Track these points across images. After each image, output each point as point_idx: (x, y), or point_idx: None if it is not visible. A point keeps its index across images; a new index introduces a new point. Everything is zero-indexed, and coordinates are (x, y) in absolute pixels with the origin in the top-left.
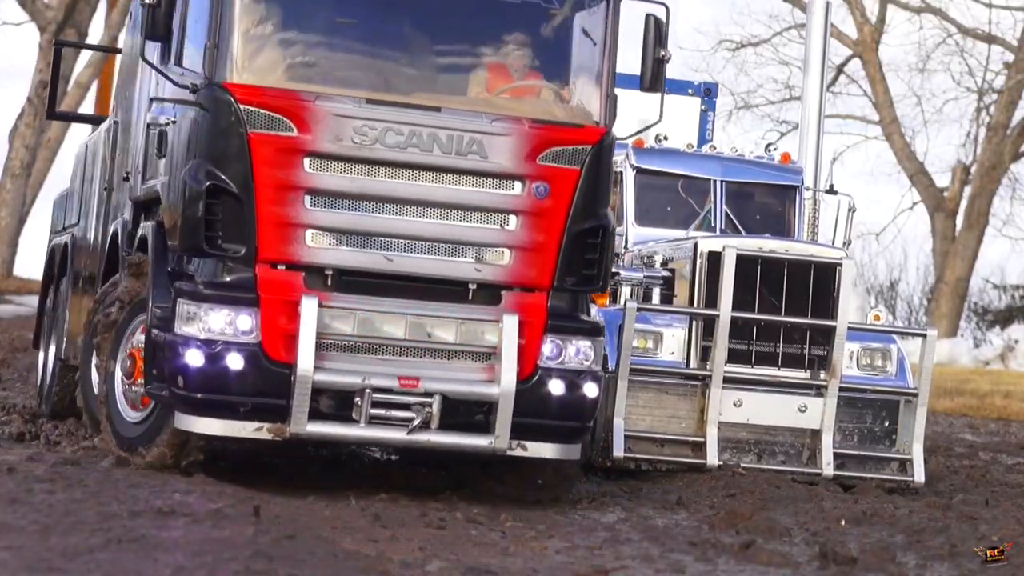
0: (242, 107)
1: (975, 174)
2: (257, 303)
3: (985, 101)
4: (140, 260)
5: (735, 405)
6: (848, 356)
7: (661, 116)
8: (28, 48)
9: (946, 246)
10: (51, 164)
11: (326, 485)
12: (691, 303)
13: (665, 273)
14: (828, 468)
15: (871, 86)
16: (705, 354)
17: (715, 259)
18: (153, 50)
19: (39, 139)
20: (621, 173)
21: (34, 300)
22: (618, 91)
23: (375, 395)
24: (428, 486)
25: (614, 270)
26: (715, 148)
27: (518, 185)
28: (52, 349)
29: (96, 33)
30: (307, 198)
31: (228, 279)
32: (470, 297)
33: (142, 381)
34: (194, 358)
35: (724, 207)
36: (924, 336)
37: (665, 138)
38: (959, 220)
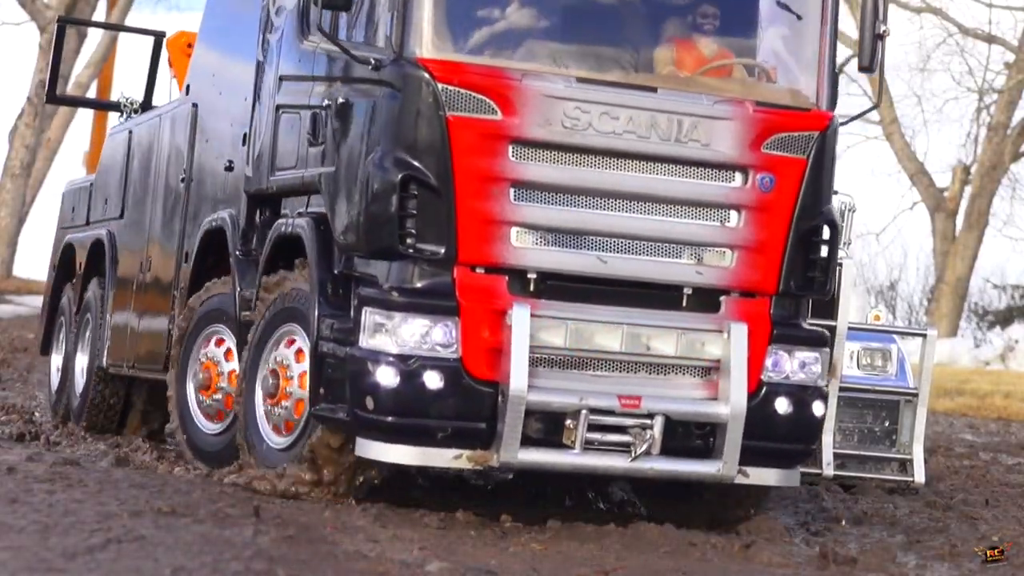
0: (440, 86)
1: (975, 174)
2: (457, 312)
3: (985, 101)
4: (299, 263)
5: None
6: (848, 356)
7: (879, 100)
8: (28, 48)
9: (946, 246)
10: (51, 164)
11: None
12: None
13: None
14: (828, 468)
15: (871, 86)
16: None
17: None
18: (298, 25)
19: (39, 139)
20: None
21: (34, 300)
22: None
23: (591, 417)
24: (428, 486)
25: None
26: None
27: (741, 176)
28: (81, 356)
29: (96, 33)
30: (512, 191)
31: (422, 284)
32: (684, 303)
33: (287, 403)
34: (386, 376)
35: None
36: (924, 336)
37: None
38: (959, 220)
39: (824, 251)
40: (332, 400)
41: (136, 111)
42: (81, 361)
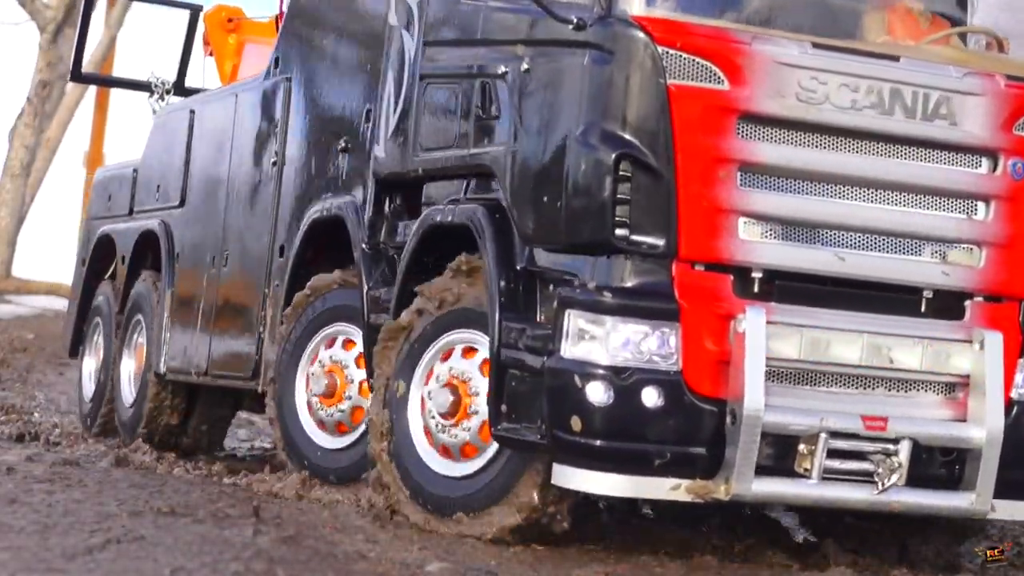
0: (660, 49)
1: None
2: (677, 316)
3: None
4: (467, 261)
5: None
6: None
7: None
8: (28, 48)
9: None
10: (50, 164)
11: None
12: None
13: None
14: None
15: None
16: None
17: None
18: None
19: (39, 139)
20: None
21: (33, 300)
22: None
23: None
24: None
25: None
26: None
27: (989, 161)
28: (127, 361)
29: (96, 33)
30: (738, 174)
31: (636, 283)
32: (923, 309)
33: (470, 424)
34: (596, 392)
35: None
36: None
37: None
38: None
39: None
40: (518, 419)
41: (168, 91)
42: (128, 367)
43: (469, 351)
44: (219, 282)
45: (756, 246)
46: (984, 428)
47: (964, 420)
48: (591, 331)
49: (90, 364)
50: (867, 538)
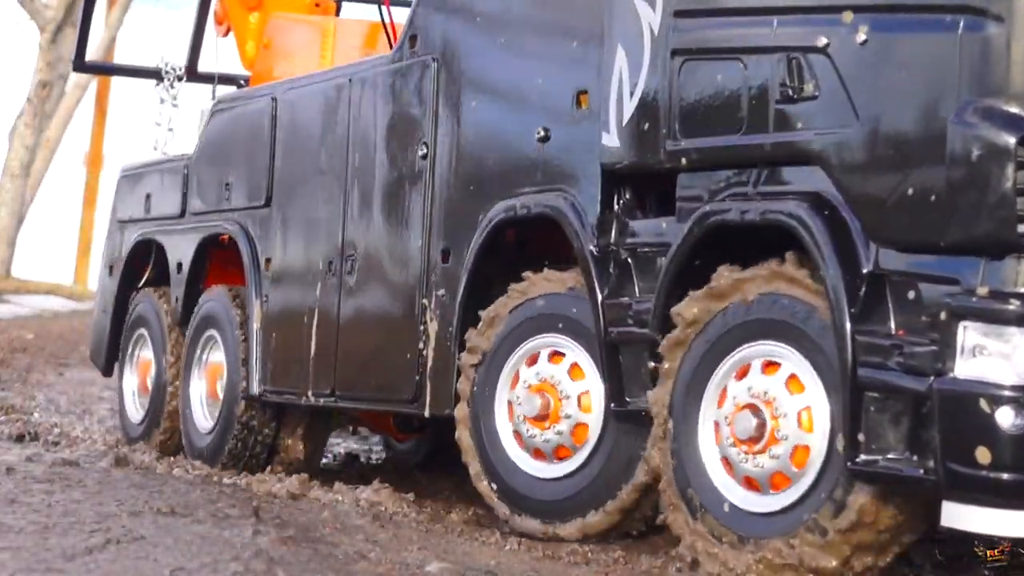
0: None
1: None
2: None
3: None
4: (728, 273)
5: None
6: None
7: None
8: (28, 48)
9: None
10: (50, 164)
11: (326, 485)
12: None
13: None
14: None
15: None
16: None
17: None
18: None
19: (38, 139)
20: None
21: (33, 300)
22: None
23: None
24: (428, 486)
25: None
26: None
27: None
28: (197, 381)
29: (96, 33)
30: None
31: None
32: None
33: (779, 450)
34: (1006, 418)
35: None
36: None
37: None
38: None
39: None
40: (880, 449)
41: (180, 78)
42: (199, 388)
43: (771, 366)
44: (343, 293)
45: None
46: None
47: None
48: (992, 346)
49: (132, 381)
50: None
